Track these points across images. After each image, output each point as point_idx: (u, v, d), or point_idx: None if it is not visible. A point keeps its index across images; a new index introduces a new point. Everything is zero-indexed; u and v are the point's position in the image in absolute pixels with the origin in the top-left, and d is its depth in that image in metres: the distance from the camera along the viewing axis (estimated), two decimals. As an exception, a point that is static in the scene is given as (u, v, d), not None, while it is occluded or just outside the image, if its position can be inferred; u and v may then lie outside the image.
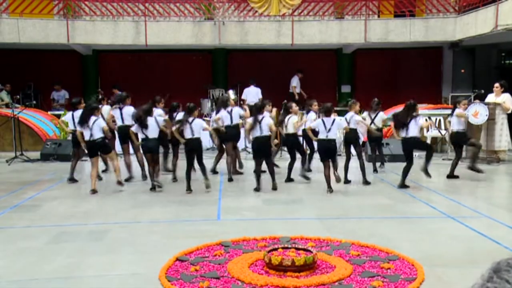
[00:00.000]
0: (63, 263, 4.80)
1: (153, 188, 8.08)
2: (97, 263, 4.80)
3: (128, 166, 9.10)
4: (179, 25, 14.30)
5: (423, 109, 12.43)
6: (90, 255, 5.02)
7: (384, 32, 14.38)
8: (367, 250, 5.03)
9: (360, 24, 14.38)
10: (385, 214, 6.71)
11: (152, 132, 8.01)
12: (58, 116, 13.43)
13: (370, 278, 4.29)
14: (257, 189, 8.05)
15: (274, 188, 8.11)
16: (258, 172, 8.15)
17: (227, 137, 9.35)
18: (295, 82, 15.27)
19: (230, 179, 9.09)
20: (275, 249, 4.65)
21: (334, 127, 7.92)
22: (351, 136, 8.99)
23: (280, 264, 4.37)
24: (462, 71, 16.25)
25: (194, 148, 8.02)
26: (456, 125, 8.96)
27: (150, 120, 8.00)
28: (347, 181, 8.70)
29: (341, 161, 8.87)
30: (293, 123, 8.79)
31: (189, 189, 7.96)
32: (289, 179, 8.90)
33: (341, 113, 12.73)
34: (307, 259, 4.40)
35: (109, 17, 14.36)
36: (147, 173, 8.55)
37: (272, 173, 8.23)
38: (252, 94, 14.19)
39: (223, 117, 9.31)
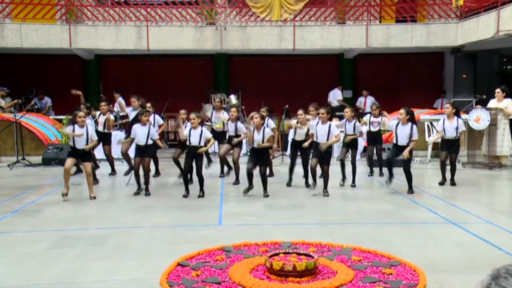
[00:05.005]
0: (65, 268, 4.79)
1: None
2: (98, 268, 4.79)
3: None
4: (181, 30, 14.33)
5: (424, 115, 12.45)
6: (91, 260, 5.02)
7: (385, 38, 14.40)
8: (368, 256, 5.02)
9: (362, 30, 14.40)
10: (386, 220, 6.70)
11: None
12: (60, 121, 13.47)
13: (372, 284, 4.28)
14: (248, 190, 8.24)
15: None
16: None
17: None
18: (339, 95, 15.50)
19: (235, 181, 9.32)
20: (277, 254, 4.64)
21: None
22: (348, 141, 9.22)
23: (282, 269, 4.36)
24: (464, 76, 16.25)
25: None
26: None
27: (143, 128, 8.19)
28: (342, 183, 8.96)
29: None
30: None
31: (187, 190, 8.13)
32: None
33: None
34: (309, 264, 4.39)
35: (111, 22, 14.40)
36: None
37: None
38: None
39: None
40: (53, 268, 4.79)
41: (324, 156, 8.03)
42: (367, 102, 15.15)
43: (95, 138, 8.10)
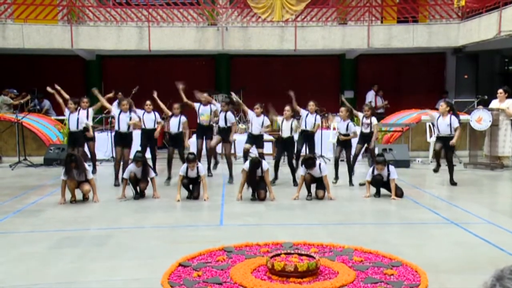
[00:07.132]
0: (66, 268, 4.79)
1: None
2: (99, 268, 4.79)
3: None
4: (183, 30, 14.34)
5: (426, 115, 12.42)
6: (92, 260, 5.02)
7: (387, 38, 14.39)
8: (370, 256, 5.01)
9: (363, 30, 14.39)
10: (387, 220, 6.69)
11: None
12: (61, 121, 13.48)
13: (373, 284, 4.27)
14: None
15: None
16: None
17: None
18: (370, 97, 15.47)
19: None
20: (278, 255, 4.64)
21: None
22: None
23: (283, 270, 4.36)
24: (465, 76, 16.24)
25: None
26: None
27: None
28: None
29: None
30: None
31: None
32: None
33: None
34: (310, 265, 4.38)
35: (113, 22, 14.42)
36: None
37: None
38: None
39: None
40: (54, 268, 4.80)
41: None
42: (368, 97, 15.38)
43: (90, 176, 7.80)
